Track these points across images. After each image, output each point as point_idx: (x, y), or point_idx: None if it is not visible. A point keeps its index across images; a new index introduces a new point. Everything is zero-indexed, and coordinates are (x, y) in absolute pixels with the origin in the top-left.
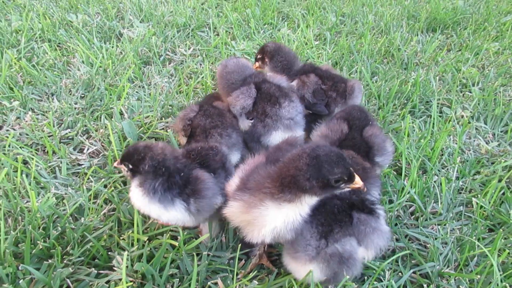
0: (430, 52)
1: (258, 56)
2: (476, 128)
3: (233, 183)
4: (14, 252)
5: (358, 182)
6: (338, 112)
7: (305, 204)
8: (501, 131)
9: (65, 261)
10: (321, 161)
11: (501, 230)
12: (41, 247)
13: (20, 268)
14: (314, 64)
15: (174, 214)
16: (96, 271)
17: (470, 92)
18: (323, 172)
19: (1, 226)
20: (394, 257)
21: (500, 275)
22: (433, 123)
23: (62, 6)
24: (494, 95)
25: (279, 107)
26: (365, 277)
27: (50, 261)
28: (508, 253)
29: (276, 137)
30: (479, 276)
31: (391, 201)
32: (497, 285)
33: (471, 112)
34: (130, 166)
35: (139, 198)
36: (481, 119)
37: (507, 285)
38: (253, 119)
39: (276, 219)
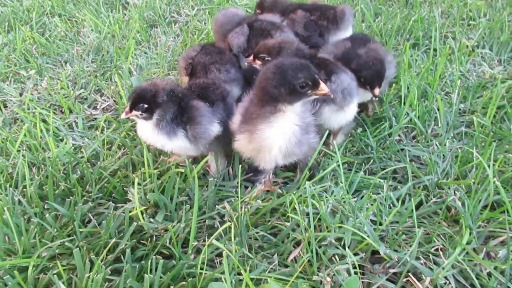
0: None
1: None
2: (482, 56)
3: (236, 119)
4: (40, 194)
5: (323, 88)
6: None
7: (289, 113)
8: (508, 57)
9: (84, 198)
10: (286, 68)
11: (491, 134)
12: (63, 187)
13: (46, 207)
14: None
15: (177, 143)
16: (114, 205)
17: (475, 23)
18: (288, 78)
19: (27, 173)
20: (391, 168)
21: (496, 180)
22: (434, 54)
23: None
24: (501, 23)
25: (272, 39)
26: (363, 190)
27: (71, 198)
28: (504, 161)
29: None
30: (473, 180)
31: (391, 127)
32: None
33: (476, 41)
34: (146, 106)
35: (148, 131)
36: (486, 47)
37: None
38: (249, 55)
39: (275, 137)
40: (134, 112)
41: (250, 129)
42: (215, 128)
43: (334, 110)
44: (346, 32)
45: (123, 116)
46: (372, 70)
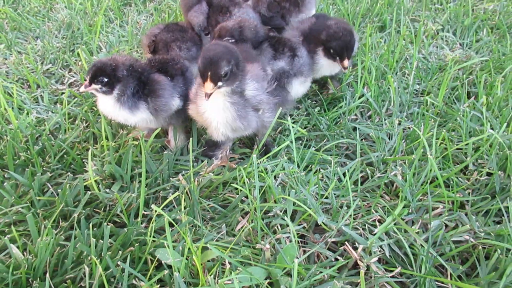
0: None
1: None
2: (446, 40)
3: (193, 89)
4: (0, 164)
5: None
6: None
7: (222, 91)
8: (469, 41)
9: (43, 168)
10: (212, 55)
11: (440, 114)
12: (23, 158)
13: (5, 176)
14: None
15: (140, 116)
16: (72, 176)
17: (443, 8)
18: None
19: None
20: (335, 142)
21: (436, 156)
22: (393, 35)
23: None
24: (466, 8)
25: (230, 15)
26: (311, 165)
27: (31, 168)
28: (447, 138)
29: None
30: (414, 156)
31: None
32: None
33: (441, 25)
34: (106, 80)
35: (109, 106)
36: (450, 31)
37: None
38: (209, 33)
39: (211, 112)
40: (94, 86)
41: (196, 102)
42: (175, 102)
43: (302, 82)
44: (308, 15)
45: (82, 89)
46: (341, 40)
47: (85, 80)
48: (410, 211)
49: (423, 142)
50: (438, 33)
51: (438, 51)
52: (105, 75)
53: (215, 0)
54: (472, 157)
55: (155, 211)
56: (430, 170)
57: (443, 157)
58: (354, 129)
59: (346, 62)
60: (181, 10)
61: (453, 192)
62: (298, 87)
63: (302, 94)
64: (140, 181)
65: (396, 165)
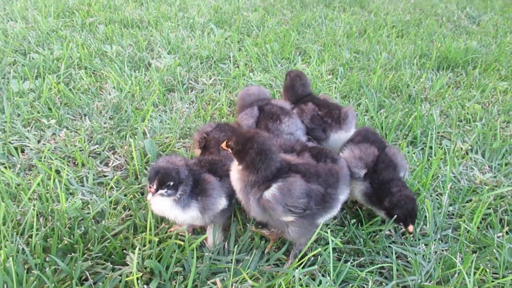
0: (437, 88)
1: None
2: (474, 161)
3: None
4: (43, 246)
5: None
6: (355, 134)
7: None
8: (498, 164)
9: (85, 256)
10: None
11: (471, 247)
12: (66, 242)
13: (47, 259)
14: (313, 94)
15: (190, 214)
16: (111, 266)
17: (471, 127)
18: None
19: (34, 223)
20: (377, 266)
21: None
22: (429, 153)
23: (99, 38)
24: (495, 130)
25: (280, 123)
26: (350, 284)
27: (73, 254)
28: (485, 270)
29: None
30: (454, 287)
31: (383, 222)
32: None
33: (470, 145)
34: (171, 183)
35: (165, 205)
36: (479, 152)
37: None
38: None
39: None
40: (160, 191)
41: None
42: (222, 201)
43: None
44: (347, 132)
45: (149, 197)
46: (405, 209)
47: (150, 186)
48: None
49: (463, 274)
50: (467, 154)
51: (468, 171)
52: (170, 179)
53: (267, 106)
54: None
55: None
56: None
57: None
58: (389, 246)
59: (410, 228)
60: (238, 105)
61: None
62: (340, 196)
63: (343, 203)
64: (179, 281)
65: None
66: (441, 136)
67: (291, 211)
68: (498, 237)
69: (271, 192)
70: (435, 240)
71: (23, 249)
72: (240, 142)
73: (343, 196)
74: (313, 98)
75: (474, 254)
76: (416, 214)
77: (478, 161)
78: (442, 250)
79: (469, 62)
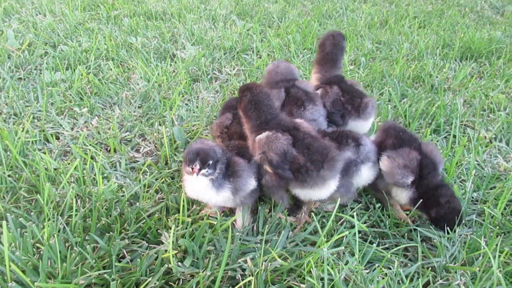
0: (461, 78)
1: None
2: (498, 149)
3: None
4: (83, 225)
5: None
6: (384, 134)
7: None
8: None
9: (122, 235)
10: None
11: (495, 231)
12: (103, 222)
13: (86, 238)
14: (343, 76)
15: (223, 195)
16: (147, 244)
17: (495, 116)
18: None
19: (74, 205)
20: (402, 246)
21: (500, 271)
22: (453, 141)
23: (125, 30)
24: None
25: (304, 109)
26: (376, 264)
27: (110, 233)
28: (509, 253)
29: None
30: (478, 268)
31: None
32: (496, 279)
33: (494, 133)
34: (211, 162)
35: (201, 186)
36: (503, 141)
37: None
38: None
39: None
40: (203, 171)
41: None
42: (252, 182)
43: (370, 166)
44: (365, 122)
45: (194, 176)
46: (451, 223)
47: (192, 168)
48: None
49: (488, 255)
50: (491, 142)
51: (492, 159)
52: (210, 158)
53: (293, 89)
54: None
55: None
56: (496, 285)
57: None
58: (414, 229)
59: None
60: (265, 79)
61: None
62: (368, 172)
63: (371, 180)
64: (211, 259)
65: (456, 272)
66: (465, 125)
67: (267, 162)
68: None
69: (260, 137)
70: (459, 224)
71: (63, 228)
72: (240, 89)
73: (332, 181)
74: (341, 80)
75: (498, 237)
76: (461, 222)
77: (502, 149)
78: (467, 234)
79: (493, 52)
